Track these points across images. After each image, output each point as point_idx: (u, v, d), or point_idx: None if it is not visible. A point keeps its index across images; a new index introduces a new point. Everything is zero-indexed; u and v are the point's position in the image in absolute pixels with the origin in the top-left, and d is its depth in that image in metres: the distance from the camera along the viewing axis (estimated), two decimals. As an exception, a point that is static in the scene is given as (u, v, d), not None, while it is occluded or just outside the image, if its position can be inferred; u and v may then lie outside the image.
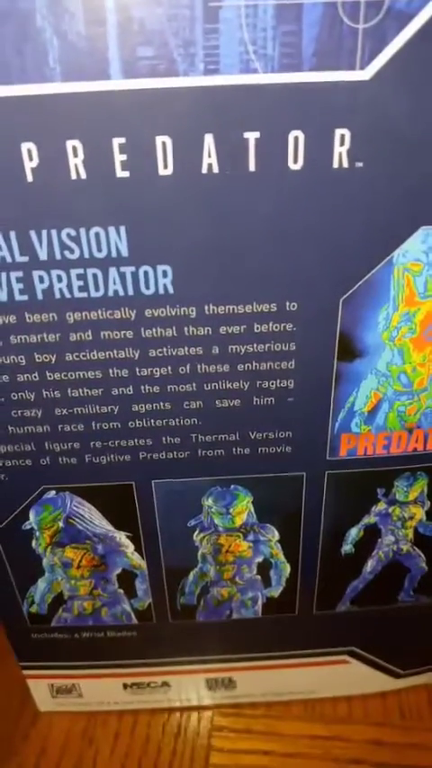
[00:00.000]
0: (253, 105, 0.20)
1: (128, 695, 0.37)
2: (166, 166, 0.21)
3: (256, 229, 0.22)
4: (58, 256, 0.22)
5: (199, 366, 0.25)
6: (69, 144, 0.20)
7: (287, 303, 0.23)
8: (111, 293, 0.23)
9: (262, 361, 0.25)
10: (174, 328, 0.24)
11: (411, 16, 0.19)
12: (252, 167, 0.21)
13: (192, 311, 0.23)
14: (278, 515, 0.29)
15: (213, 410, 0.26)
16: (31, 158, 0.20)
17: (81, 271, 0.22)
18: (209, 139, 0.20)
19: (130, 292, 0.23)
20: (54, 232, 0.22)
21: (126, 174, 0.21)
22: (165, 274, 0.23)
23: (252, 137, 0.20)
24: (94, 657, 0.35)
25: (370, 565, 0.32)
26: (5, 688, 0.40)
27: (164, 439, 0.26)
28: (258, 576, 0.32)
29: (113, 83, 0.19)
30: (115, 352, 0.24)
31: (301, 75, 0.19)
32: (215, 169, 0.21)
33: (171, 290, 0.23)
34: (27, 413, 0.25)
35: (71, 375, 0.25)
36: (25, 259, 0.22)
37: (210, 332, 0.24)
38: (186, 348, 0.24)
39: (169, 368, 0.25)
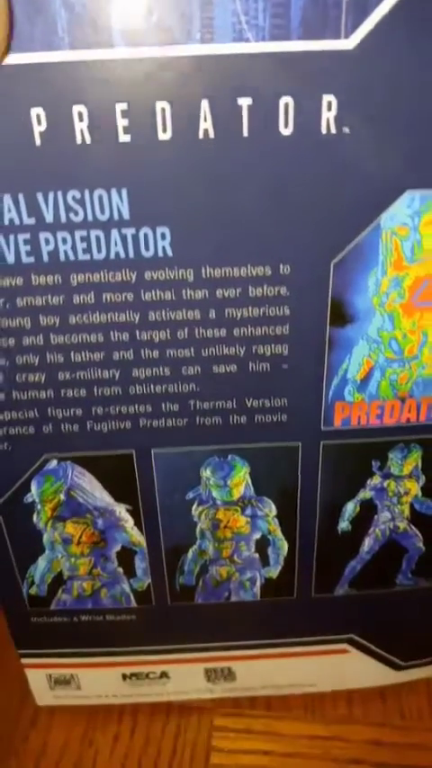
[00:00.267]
0: (245, 73, 0.21)
1: (127, 687, 0.37)
2: (165, 131, 0.22)
3: (250, 192, 0.23)
4: (63, 219, 0.23)
5: (197, 330, 0.26)
6: (75, 109, 0.22)
7: (281, 266, 0.24)
8: (113, 255, 0.24)
9: (257, 325, 0.26)
10: (172, 291, 0.25)
11: (391, -12, 0.20)
12: (245, 132, 0.22)
13: (189, 274, 0.24)
14: (275, 488, 0.30)
15: (211, 376, 0.27)
16: (39, 123, 0.22)
17: (85, 233, 0.24)
18: (205, 105, 0.22)
19: (131, 254, 0.24)
20: (60, 194, 0.23)
21: (128, 138, 0.22)
22: (163, 236, 0.24)
23: (245, 103, 0.22)
24: (93, 644, 0.35)
25: (367, 544, 0.32)
26: (5, 688, 0.39)
27: (163, 405, 0.27)
28: (257, 555, 0.32)
29: (116, 51, 0.21)
30: (116, 314, 0.25)
31: (290, 45, 0.21)
32: (211, 134, 0.22)
33: (170, 253, 0.24)
34: (31, 377, 0.26)
35: (74, 338, 0.26)
36: (32, 221, 0.23)
37: (207, 295, 0.25)
38: (184, 311, 0.25)
39: (168, 332, 0.26)
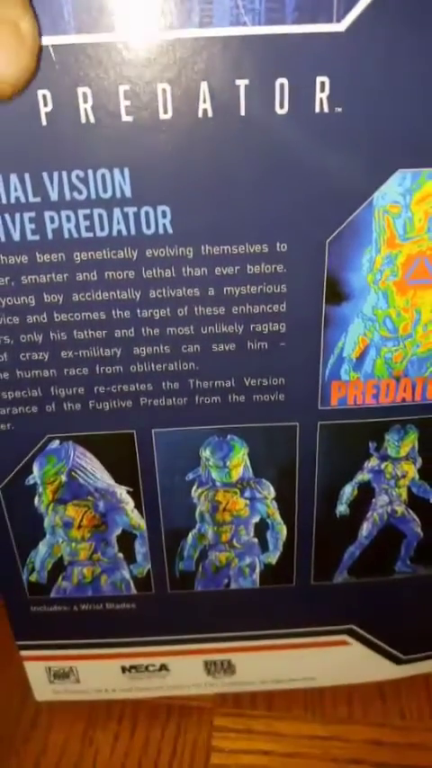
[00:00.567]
0: (243, 55, 0.22)
1: (126, 680, 0.37)
2: (165, 111, 0.23)
3: (247, 171, 0.24)
4: (67, 197, 0.24)
5: (196, 308, 0.26)
6: (80, 90, 0.23)
7: (277, 244, 0.25)
8: (115, 233, 0.25)
9: (255, 303, 0.26)
10: (172, 269, 0.26)
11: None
12: (243, 112, 0.23)
13: (189, 251, 0.25)
14: (273, 469, 0.30)
15: (210, 354, 0.27)
16: (45, 104, 0.23)
17: (88, 211, 0.25)
18: (204, 86, 0.23)
19: (133, 232, 0.25)
20: (65, 173, 0.24)
21: (130, 118, 0.23)
22: (164, 214, 0.25)
23: (242, 83, 0.23)
24: (93, 635, 0.35)
25: (365, 528, 0.32)
26: (5, 688, 0.39)
27: (164, 384, 0.28)
28: (255, 539, 0.32)
29: (119, 35, 0.22)
30: (118, 292, 0.26)
31: (285, 28, 0.22)
32: (210, 114, 0.23)
33: (170, 230, 0.25)
34: (35, 355, 0.27)
35: (77, 316, 0.26)
36: (38, 200, 0.24)
37: (206, 272, 0.26)
38: (184, 289, 0.26)
39: (168, 309, 0.26)
